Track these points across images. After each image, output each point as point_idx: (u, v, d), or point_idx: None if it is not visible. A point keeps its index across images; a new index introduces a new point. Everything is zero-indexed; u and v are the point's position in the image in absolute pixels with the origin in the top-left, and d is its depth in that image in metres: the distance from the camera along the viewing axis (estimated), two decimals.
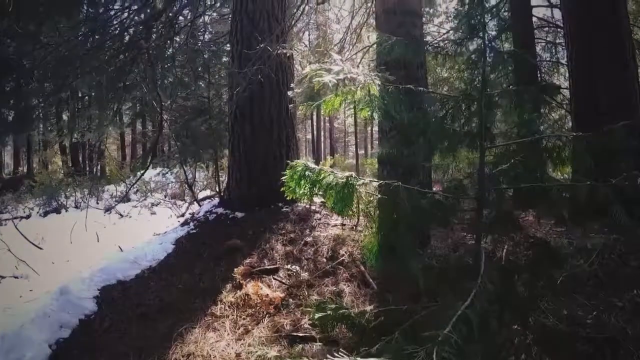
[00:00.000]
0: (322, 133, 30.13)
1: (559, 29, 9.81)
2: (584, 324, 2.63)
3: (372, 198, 1.83)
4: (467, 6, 1.75)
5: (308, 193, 1.84)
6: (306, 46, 10.59)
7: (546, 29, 10.45)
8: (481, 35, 1.78)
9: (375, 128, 28.14)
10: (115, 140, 24.55)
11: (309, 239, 4.28)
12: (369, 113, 1.78)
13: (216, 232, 4.90)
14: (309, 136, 29.17)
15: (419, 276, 1.97)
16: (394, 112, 1.73)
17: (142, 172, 7.50)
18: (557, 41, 10.30)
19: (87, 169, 20.23)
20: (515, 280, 2.21)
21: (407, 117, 1.79)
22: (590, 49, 4.47)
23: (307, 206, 5.09)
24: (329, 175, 1.79)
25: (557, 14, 9.84)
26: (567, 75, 9.08)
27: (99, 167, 19.66)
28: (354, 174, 1.76)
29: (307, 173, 1.82)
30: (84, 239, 7.60)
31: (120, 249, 5.67)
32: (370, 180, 1.83)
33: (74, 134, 7.60)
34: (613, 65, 4.35)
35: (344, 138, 34.39)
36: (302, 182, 1.81)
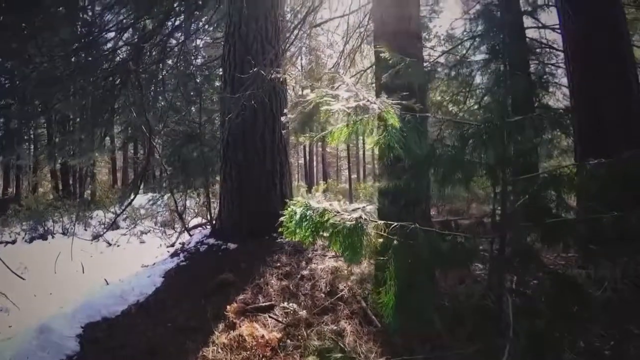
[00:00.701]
0: (315, 157, 30.07)
1: (551, 50, 9.88)
2: (601, 354, 2.54)
3: (381, 239, 1.60)
4: (484, 27, 1.59)
5: (310, 236, 1.62)
6: (299, 70, 10.54)
7: (538, 50, 10.51)
8: (501, 57, 1.62)
9: (368, 152, 28.21)
10: (107, 164, 24.26)
11: (305, 273, 4.03)
12: (390, 145, 1.54)
13: (207, 265, 4.64)
14: (301, 161, 29.06)
15: (435, 321, 1.78)
16: (414, 145, 1.52)
17: (130, 198, 7.24)
18: (548, 61, 10.36)
19: (77, 193, 19.89)
20: (537, 321, 2.03)
21: (427, 148, 1.60)
22: (591, 68, 4.46)
23: None
24: (335, 216, 1.56)
25: (549, 35, 9.94)
26: (559, 95, 9.15)
27: (88, 192, 19.34)
28: (363, 214, 1.54)
29: (308, 213, 1.60)
30: (69, 269, 7.30)
31: (106, 282, 5.41)
32: (384, 222, 1.61)
33: (59, 159, 7.35)
34: (614, 83, 4.31)
35: (336, 162, 34.28)
36: (304, 224, 1.60)
